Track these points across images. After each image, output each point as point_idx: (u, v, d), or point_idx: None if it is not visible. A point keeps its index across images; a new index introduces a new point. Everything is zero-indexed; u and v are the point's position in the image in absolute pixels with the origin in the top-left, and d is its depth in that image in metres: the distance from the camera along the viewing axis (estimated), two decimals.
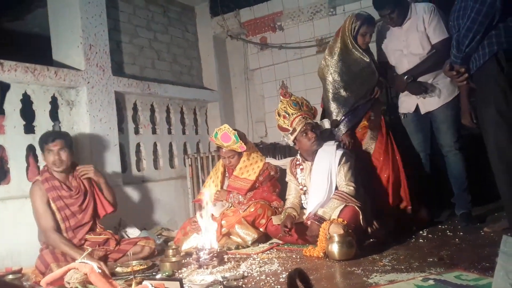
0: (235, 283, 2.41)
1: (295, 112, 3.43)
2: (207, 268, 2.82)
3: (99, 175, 3.51)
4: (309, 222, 3.24)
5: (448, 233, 3.25)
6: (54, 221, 3.21)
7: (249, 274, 2.63)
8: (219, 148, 4.02)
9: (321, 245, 2.91)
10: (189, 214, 4.67)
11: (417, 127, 3.71)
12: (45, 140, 3.33)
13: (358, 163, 3.47)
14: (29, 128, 3.67)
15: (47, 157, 3.32)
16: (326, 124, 3.58)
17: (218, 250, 2.99)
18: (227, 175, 4.09)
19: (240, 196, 3.85)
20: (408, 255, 2.75)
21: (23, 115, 3.63)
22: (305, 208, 3.48)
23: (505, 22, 2.33)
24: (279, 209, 3.70)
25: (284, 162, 4.15)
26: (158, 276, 2.65)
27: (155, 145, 4.77)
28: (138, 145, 4.60)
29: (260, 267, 2.79)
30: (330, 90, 3.69)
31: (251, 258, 3.09)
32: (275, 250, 3.34)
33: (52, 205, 3.26)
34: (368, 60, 3.60)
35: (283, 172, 3.89)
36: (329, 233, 2.85)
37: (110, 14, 4.45)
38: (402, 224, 3.43)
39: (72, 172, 3.43)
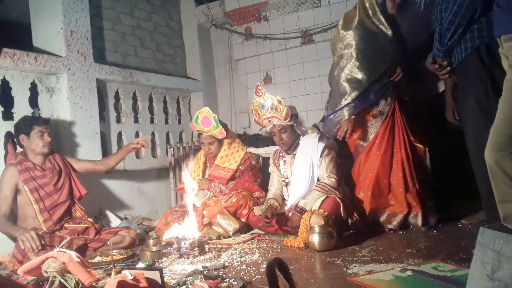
0: (216, 272, 2.41)
1: (263, 114, 3.54)
2: (187, 258, 2.83)
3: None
4: (290, 214, 3.26)
5: None
6: (9, 210, 3.18)
7: (230, 264, 2.64)
8: (199, 135, 4.02)
9: (302, 235, 2.93)
10: (170, 204, 4.64)
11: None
12: (34, 122, 3.35)
13: (343, 156, 3.45)
14: (7, 115, 3.59)
15: (35, 139, 3.31)
16: (310, 130, 3.62)
17: (199, 240, 2.99)
18: (208, 164, 4.08)
19: (221, 185, 3.84)
20: (387, 246, 2.79)
21: (1, 101, 3.55)
22: (286, 200, 3.50)
23: (487, 16, 2.34)
24: (261, 200, 3.71)
25: (265, 150, 4.16)
26: (138, 266, 2.64)
27: (137, 134, 4.71)
28: (120, 134, 4.54)
29: (241, 257, 2.80)
30: (344, 69, 3.30)
31: (232, 248, 3.10)
32: (256, 240, 3.36)
33: (25, 187, 3.23)
34: (390, 33, 3.23)
35: (265, 161, 3.89)
36: (310, 224, 2.88)
37: (92, 0, 4.36)
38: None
39: (48, 156, 3.45)
